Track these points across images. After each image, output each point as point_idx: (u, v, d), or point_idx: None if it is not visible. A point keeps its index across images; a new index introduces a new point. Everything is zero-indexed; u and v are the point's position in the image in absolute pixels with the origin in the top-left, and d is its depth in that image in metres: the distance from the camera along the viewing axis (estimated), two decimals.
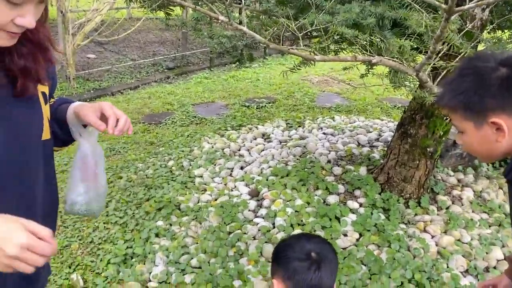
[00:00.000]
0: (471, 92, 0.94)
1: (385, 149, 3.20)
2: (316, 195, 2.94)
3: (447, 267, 2.35)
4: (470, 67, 0.97)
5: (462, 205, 2.90)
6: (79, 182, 1.15)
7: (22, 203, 0.99)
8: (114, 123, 1.08)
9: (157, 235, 2.66)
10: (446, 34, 1.43)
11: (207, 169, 3.42)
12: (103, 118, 1.10)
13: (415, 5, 1.39)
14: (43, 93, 1.05)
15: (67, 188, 1.18)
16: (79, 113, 1.10)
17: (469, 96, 0.95)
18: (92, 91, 6.13)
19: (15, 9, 0.81)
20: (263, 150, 3.73)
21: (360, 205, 2.83)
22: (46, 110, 1.06)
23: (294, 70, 1.99)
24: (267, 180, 3.14)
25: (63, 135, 1.18)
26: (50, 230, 0.82)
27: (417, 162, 2.80)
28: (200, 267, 2.37)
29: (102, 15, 6.29)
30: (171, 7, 1.68)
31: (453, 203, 2.91)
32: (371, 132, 4.04)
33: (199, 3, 1.56)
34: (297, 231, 2.58)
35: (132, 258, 2.50)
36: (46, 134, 1.06)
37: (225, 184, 3.21)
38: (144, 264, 2.44)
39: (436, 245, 2.51)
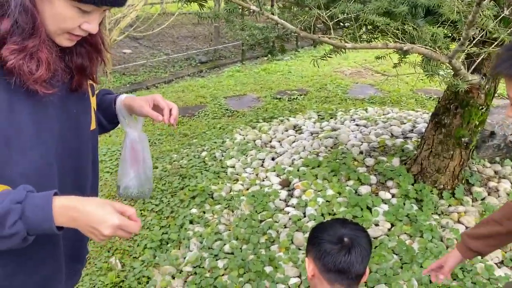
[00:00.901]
0: None
1: (419, 140, 3.16)
2: (347, 185, 2.94)
3: (481, 257, 2.32)
4: None
5: (499, 196, 2.83)
6: (130, 167, 1.24)
7: (76, 182, 1.10)
8: (168, 113, 1.16)
9: (191, 222, 2.75)
10: (479, 20, 1.41)
11: (239, 160, 3.48)
12: (155, 108, 1.18)
13: None
14: (91, 85, 1.15)
15: (120, 174, 1.27)
16: (132, 104, 1.19)
17: None
18: (128, 85, 6.33)
19: (84, 16, 0.91)
20: (294, 142, 3.75)
21: (393, 195, 2.82)
22: (93, 101, 1.16)
23: (324, 58, 2.01)
24: (298, 170, 3.17)
25: (106, 123, 1.28)
26: (134, 209, 0.93)
27: (452, 152, 2.75)
28: (232, 253, 2.44)
29: (137, 11, 6.47)
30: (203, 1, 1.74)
31: (489, 194, 2.85)
32: (405, 123, 3.98)
33: None
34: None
35: (167, 243, 2.60)
36: (93, 124, 1.16)
37: (257, 175, 3.27)
38: (179, 249, 2.54)
39: None
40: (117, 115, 1.23)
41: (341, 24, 2.61)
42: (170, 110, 1.18)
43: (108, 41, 6.02)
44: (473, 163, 3.16)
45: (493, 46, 1.78)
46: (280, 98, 5.18)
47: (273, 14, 2.96)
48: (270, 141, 3.84)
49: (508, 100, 1.00)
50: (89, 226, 0.88)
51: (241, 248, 2.46)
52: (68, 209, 0.87)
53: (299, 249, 2.43)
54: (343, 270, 1.19)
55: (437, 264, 1.49)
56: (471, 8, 1.82)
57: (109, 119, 1.27)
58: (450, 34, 2.15)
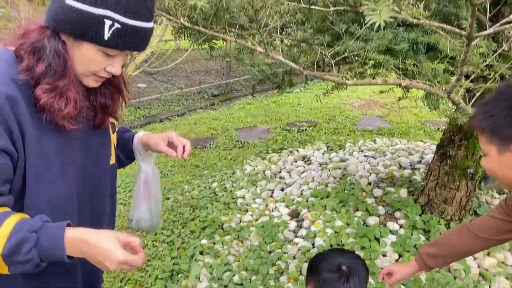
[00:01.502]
0: (501, 118, 0.96)
1: (427, 170, 3.20)
2: (356, 216, 2.98)
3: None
4: (505, 93, 0.99)
5: None
6: (143, 200, 1.32)
7: (94, 212, 1.19)
8: (182, 150, 1.26)
9: (201, 253, 2.80)
10: (472, 58, 1.50)
11: (248, 191, 3.55)
12: (170, 145, 1.28)
13: (440, 32, 1.47)
14: (112, 124, 1.25)
15: (132, 207, 1.35)
16: (148, 142, 1.29)
17: (498, 120, 0.97)
18: (142, 118, 6.50)
19: (108, 59, 1.01)
20: (303, 172, 3.82)
21: (400, 226, 2.85)
22: (113, 138, 1.26)
23: (326, 94, 2.10)
24: (307, 201, 3.22)
25: (123, 158, 1.38)
26: (138, 239, 0.99)
27: (458, 183, 2.79)
28: (241, 284, 2.47)
29: (152, 47, 6.72)
30: (214, 41, 1.86)
31: None
32: (413, 154, 4.03)
33: (240, 37, 1.73)
34: None
35: (178, 274, 2.64)
36: (112, 159, 1.25)
37: (266, 205, 3.32)
38: (189, 280, 2.58)
39: (478, 267, 2.47)
40: (134, 151, 1.32)
41: (347, 60, 2.72)
42: (184, 146, 1.27)
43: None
44: (481, 194, 3.17)
45: (490, 82, 1.85)
46: (289, 130, 5.29)
47: (282, 50, 3.08)
48: (280, 172, 3.91)
49: None
50: (95, 258, 0.95)
51: (250, 279, 2.50)
52: (78, 241, 0.93)
53: None
54: None
55: (387, 270, 1.55)
56: (462, 46, 1.92)
57: (126, 154, 1.37)
58: (450, 70, 2.24)
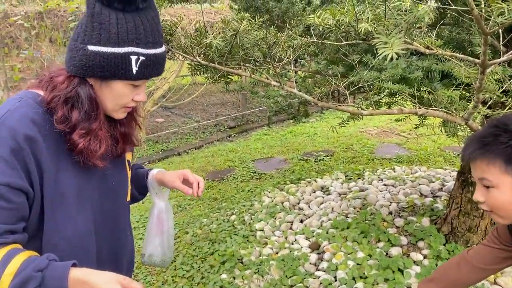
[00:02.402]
0: None
1: (448, 198, 3.13)
2: (378, 247, 2.91)
3: None
4: (509, 124, 0.99)
5: None
6: (156, 236, 1.33)
7: (112, 250, 1.20)
8: (197, 187, 1.30)
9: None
10: (487, 85, 1.50)
11: (267, 223, 3.52)
12: (185, 182, 1.32)
13: (453, 59, 1.47)
14: (128, 161, 1.27)
15: (145, 242, 1.36)
16: (163, 179, 1.33)
17: None
18: (160, 152, 6.59)
19: (135, 90, 1.07)
20: (322, 203, 3.78)
21: (424, 256, 2.76)
22: (129, 175, 1.28)
23: (342, 125, 2.11)
24: (327, 233, 3.17)
25: (137, 194, 1.40)
26: (142, 285, 0.97)
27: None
28: None
29: (169, 83, 6.89)
30: (229, 76, 1.91)
31: None
32: (433, 182, 3.96)
33: (254, 71, 1.77)
34: (359, 284, 2.56)
35: None
36: (128, 196, 1.27)
37: (286, 238, 3.28)
38: None
39: None
40: (148, 187, 1.36)
41: (361, 89, 2.75)
42: (198, 183, 1.30)
43: (142, 112, 6.39)
44: None
45: (507, 107, 1.83)
46: (306, 160, 5.27)
47: (296, 82, 3.12)
48: (298, 203, 3.87)
49: None
50: None
51: None
52: (79, 283, 0.93)
53: None
54: None
55: None
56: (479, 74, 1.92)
57: (140, 190, 1.40)
58: (466, 96, 2.23)
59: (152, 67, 1.04)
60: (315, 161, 5.19)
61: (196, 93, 7.96)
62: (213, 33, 1.47)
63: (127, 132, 1.20)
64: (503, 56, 1.27)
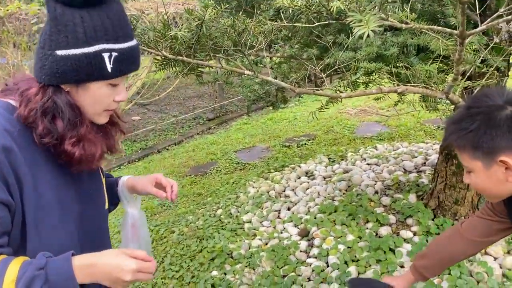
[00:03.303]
0: (481, 131, 0.95)
1: (433, 173, 3.13)
2: (367, 228, 2.89)
3: None
4: (478, 106, 0.97)
5: None
6: (131, 243, 1.26)
7: None
8: (171, 191, 1.26)
9: (213, 286, 2.70)
10: (465, 56, 1.45)
11: (254, 214, 3.46)
12: (157, 186, 1.27)
13: (429, 32, 1.42)
14: (100, 168, 1.20)
15: None
16: (135, 185, 1.28)
17: (478, 135, 0.95)
18: (139, 151, 6.44)
19: (114, 89, 1.01)
20: (308, 188, 3.74)
21: (414, 233, 2.75)
22: (103, 182, 1.22)
23: (322, 110, 2.05)
24: (315, 218, 3.14)
25: (108, 204, 1.34)
26: (144, 252, 0.96)
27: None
28: None
29: (142, 79, 6.72)
30: (200, 69, 1.82)
31: None
32: (416, 157, 3.96)
33: (226, 62, 1.68)
34: (352, 267, 2.53)
35: None
36: (106, 204, 1.22)
37: (274, 227, 3.23)
38: None
39: (500, 267, 2.38)
40: (119, 196, 1.30)
41: (338, 70, 2.69)
42: (172, 187, 1.26)
43: (123, 116, 6.23)
44: None
45: (486, 77, 1.80)
46: (289, 146, 5.22)
47: (271, 68, 3.03)
48: (284, 191, 3.83)
49: None
50: (109, 277, 0.92)
51: None
52: (86, 267, 0.90)
53: None
54: None
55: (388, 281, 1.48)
56: (455, 45, 1.87)
57: (111, 200, 1.33)
58: (444, 69, 2.19)
59: (127, 62, 0.98)
60: (298, 146, 5.15)
61: (171, 87, 7.79)
62: (182, 24, 1.38)
63: (108, 138, 1.14)
64: (481, 25, 1.22)
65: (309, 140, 5.31)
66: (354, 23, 0.92)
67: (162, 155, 6.11)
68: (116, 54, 0.95)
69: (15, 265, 0.87)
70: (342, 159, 4.35)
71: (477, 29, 1.21)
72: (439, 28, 1.25)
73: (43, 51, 0.95)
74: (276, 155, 4.95)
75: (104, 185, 1.23)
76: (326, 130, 5.64)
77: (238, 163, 4.99)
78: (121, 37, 0.96)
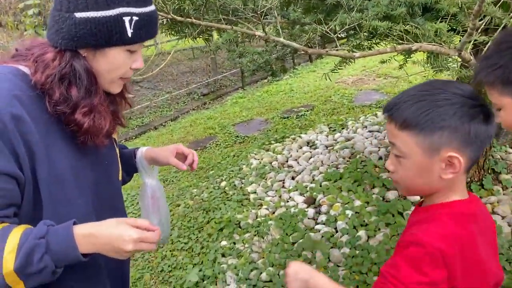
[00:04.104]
0: (510, 66, 0.90)
1: None
2: (374, 193, 2.90)
3: None
4: (507, 41, 0.93)
5: None
6: (152, 214, 1.26)
7: None
8: (191, 160, 1.26)
9: (223, 255, 2.71)
10: (485, 8, 1.41)
11: (259, 185, 3.46)
12: (177, 157, 1.26)
13: None
14: (114, 139, 1.18)
15: None
16: (155, 156, 1.27)
17: (508, 70, 0.90)
18: (136, 128, 6.38)
19: (131, 57, 0.98)
20: (311, 158, 3.73)
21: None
22: (118, 153, 1.19)
23: (335, 71, 2.01)
24: (320, 186, 3.14)
25: (125, 175, 1.32)
26: (147, 221, 0.93)
27: None
28: (271, 280, 2.39)
29: None
30: (208, 33, 1.76)
31: None
32: None
33: (235, 24, 1.63)
34: (361, 232, 2.55)
35: (203, 280, 2.55)
36: (120, 175, 1.19)
37: (280, 196, 3.24)
38: (216, 285, 2.49)
39: (509, 225, 2.41)
40: (137, 167, 1.28)
41: (339, 35, 2.64)
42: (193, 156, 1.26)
43: (132, 88, 6.14)
44: (495, 151, 3.10)
45: (498, 31, 1.77)
46: (287, 117, 5.19)
47: (279, 34, 2.98)
48: (287, 161, 3.82)
49: None
50: (110, 247, 0.89)
51: (278, 274, 2.41)
52: (87, 236, 0.88)
53: (338, 265, 2.38)
54: None
55: None
56: None
57: (127, 171, 1.32)
58: (451, 28, 2.15)
59: (147, 27, 0.95)
60: (297, 117, 5.12)
61: (164, 63, 7.66)
62: None
63: (116, 110, 1.11)
64: None
65: (308, 110, 5.28)
66: None
67: (159, 131, 6.06)
68: (136, 18, 0.92)
69: (16, 233, 0.85)
70: (343, 128, 4.34)
71: None
72: None
73: (59, 13, 0.91)
74: (276, 127, 4.93)
75: (119, 156, 1.20)
76: (324, 100, 5.60)
77: (237, 136, 4.96)
78: (141, 1, 0.93)
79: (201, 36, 1.75)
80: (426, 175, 0.87)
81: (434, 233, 0.82)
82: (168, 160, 1.25)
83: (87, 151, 1.01)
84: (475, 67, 1.03)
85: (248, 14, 1.56)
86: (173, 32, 1.65)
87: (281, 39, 1.54)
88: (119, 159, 1.20)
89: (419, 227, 0.86)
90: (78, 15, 0.89)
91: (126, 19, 0.91)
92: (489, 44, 2.02)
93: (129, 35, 0.92)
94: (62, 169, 0.94)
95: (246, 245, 2.75)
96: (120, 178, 1.19)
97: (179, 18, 1.46)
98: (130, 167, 1.31)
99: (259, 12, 1.42)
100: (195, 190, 3.69)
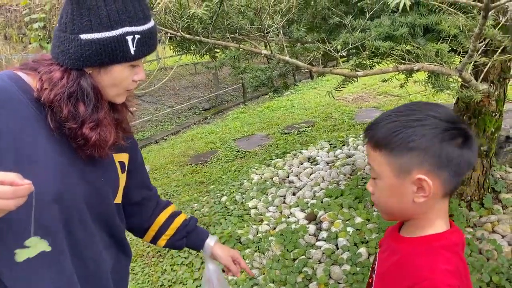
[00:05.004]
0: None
1: None
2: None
3: None
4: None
5: None
6: None
7: (101, 241, 1.11)
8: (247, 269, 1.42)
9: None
10: (485, 31, 1.45)
11: (260, 200, 3.47)
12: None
13: (448, 8, 1.42)
14: (121, 162, 1.16)
15: None
16: (220, 255, 1.38)
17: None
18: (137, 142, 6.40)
19: (133, 70, 1.02)
20: (312, 174, 3.75)
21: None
22: (122, 178, 1.17)
23: (339, 89, 2.05)
24: (321, 202, 3.15)
25: (181, 244, 1.38)
26: (15, 174, 0.79)
27: None
28: None
29: None
30: (216, 50, 1.80)
31: None
32: None
33: (241, 42, 1.67)
34: (362, 249, 2.55)
35: None
36: (118, 199, 1.16)
37: (281, 212, 3.24)
38: None
39: (509, 244, 2.41)
40: (204, 254, 1.40)
41: (342, 54, 2.69)
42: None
43: (134, 99, 6.17)
44: (494, 170, 3.13)
45: (497, 53, 1.81)
46: (288, 133, 5.22)
47: (283, 51, 3.01)
48: (288, 177, 3.84)
49: None
50: None
51: None
52: None
53: (339, 283, 2.38)
54: None
55: None
56: (473, 22, 1.87)
57: (189, 245, 1.39)
58: (452, 48, 2.20)
59: (148, 43, 0.99)
60: (297, 133, 5.15)
61: (166, 78, 7.72)
62: (195, 2, 1.36)
63: (120, 118, 1.12)
64: None
65: (309, 126, 5.31)
66: None
67: (160, 145, 6.08)
68: (138, 36, 0.96)
69: None
70: (344, 145, 4.37)
71: (502, 1, 1.21)
72: (463, 0, 1.25)
73: (65, 34, 0.94)
74: (277, 142, 4.95)
75: (122, 181, 1.17)
76: (325, 117, 5.64)
77: (238, 151, 4.98)
78: (142, 19, 0.97)
79: (208, 53, 1.79)
80: (400, 198, 0.84)
81: (443, 270, 0.79)
82: (227, 263, 1.38)
83: (77, 165, 1.01)
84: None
85: (254, 32, 1.60)
86: (180, 50, 1.69)
87: (287, 58, 1.57)
88: (121, 183, 1.17)
89: (420, 263, 0.82)
90: (83, 36, 0.92)
91: (129, 38, 0.95)
92: (489, 65, 2.07)
93: (132, 52, 0.96)
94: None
95: (247, 261, 2.74)
96: (116, 201, 1.15)
97: (188, 36, 1.50)
98: (194, 246, 1.39)
99: (265, 32, 1.45)
100: (195, 204, 3.70)
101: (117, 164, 1.16)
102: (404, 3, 0.92)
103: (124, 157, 1.18)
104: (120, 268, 1.22)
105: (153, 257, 3.05)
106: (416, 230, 0.87)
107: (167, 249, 3.06)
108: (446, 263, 0.80)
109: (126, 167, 1.20)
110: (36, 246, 0.86)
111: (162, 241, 1.35)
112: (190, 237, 1.38)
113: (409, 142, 0.80)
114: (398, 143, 0.81)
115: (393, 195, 0.85)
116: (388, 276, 0.89)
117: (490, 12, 1.30)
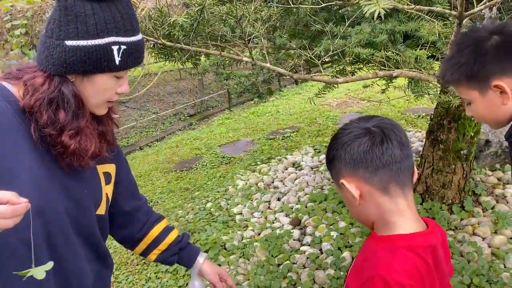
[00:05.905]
0: (471, 62, 0.99)
1: (419, 159, 3.20)
2: None
3: (505, 267, 2.30)
4: (465, 41, 1.03)
5: (507, 202, 2.85)
6: None
7: (82, 251, 1.08)
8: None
9: None
10: None
11: (245, 206, 3.47)
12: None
13: (425, 16, 1.45)
14: (107, 173, 1.15)
15: None
16: (208, 272, 1.38)
17: (470, 66, 1.00)
18: (121, 149, 6.35)
19: (118, 82, 1.01)
20: (296, 179, 3.77)
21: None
22: (106, 189, 1.15)
23: (319, 95, 2.07)
24: (306, 207, 3.17)
25: (172, 260, 1.38)
26: (12, 192, 0.77)
27: (453, 166, 2.78)
28: None
29: None
30: (197, 57, 1.81)
31: (497, 202, 2.86)
32: None
33: (223, 49, 1.68)
34: (346, 253, 2.57)
35: None
36: (101, 210, 1.14)
37: (265, 218, 3.25)
38: None
39: (489, 246, 2.46)
40: (192, 270, 1.39)
41: (323, 60, 2.72)
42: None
43: (118, 110, 6.12)
44: (475, 173, 3.19)
45: None
46: (273, 138, 5.24)
47: (265, 59, 3.04)
48: (273, 182, 3.85)
49: None
50: None
51: None
52: None
53: (323, 287, 2.39)
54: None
55: None
56: (449, 28, 1.92)
57: (169, 260, 1.38)
58: (431, 54, 2.24)
59: (135, 55, 0.99)
60: (282, 139, 5.18)
61: (150, 83, 7.70)
62: (176, 12, 1.37)
63: (104, 130, 1.11)
64: (476, 6, 1.26)
65: (293, 132, 5.34)
66: (364, 1, 0.94)
67: (145, 152, 6.04)
68: (124, 47, 0.96)
69: None
70: None
71: (475, 9, 1.24)
72: (439, 9, 1.29)
73: (50, 40, 0.94)
74: (262, 148, 4.97)
75: (107, 191, 1.15)
76: (309, 122, 5.68)
77: (223, 157, 4.98)
78: (130, 31, 0.97)
79: (189, 60, 1.80)
80: (353, 206, 0.91)
81: (397, 268, 0.81)
82: (214, 281, 1.37)
83: (58, 174, 1.00)
84: (440, 68, 1.11)
85: (236, 40, 1.61)
86: (162, 56, 1.69)
87: (267, 65, 1.59)
88: (104, 194, 1.14)
89: (380, 259, 0.84)
90: (69, 43, 0.92)
91: (115, 48, 0.95)
92: (449, 45, 2.12)
93: (117, 62, 0.96)
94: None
95: (232, 267, 2.74)
96: (99, 212, 1.13)
97: (168, 43, 1.51)
98: (185, 262, 1.39)
99: (246, 39, 1.47)
100: (180, 211, 3.68)
101: (101, 176, 1.14)
102: (379, 12, 0.94)
103: (110, 168, 1.17)
104: (100, 280, 1.20)
105: (137, 265, 3.03)
106: (382, 229, 0.90)
107: None
108: (403, 262, 0.82)
109: (113, 178, 1.19)
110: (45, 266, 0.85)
111: (153, 255, 1.34)
112: (182, 254, 1.37)
113: (332, 153, 0.92)
114: (329, 157, 0.93)
115: (349, 204, 0.93)
116: (354, 271, 0.92)
117: (464, 20, 1.34)
